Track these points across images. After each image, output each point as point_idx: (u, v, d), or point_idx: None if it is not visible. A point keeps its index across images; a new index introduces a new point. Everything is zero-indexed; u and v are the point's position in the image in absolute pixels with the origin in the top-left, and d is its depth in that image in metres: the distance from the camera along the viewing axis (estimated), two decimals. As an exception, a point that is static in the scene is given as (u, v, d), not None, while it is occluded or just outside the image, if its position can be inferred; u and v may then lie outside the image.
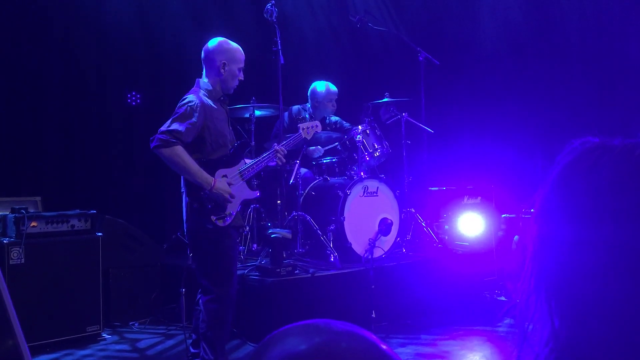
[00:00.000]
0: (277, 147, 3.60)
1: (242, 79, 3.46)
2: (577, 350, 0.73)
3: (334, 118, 5.65)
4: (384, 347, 0.59)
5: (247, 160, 3.50)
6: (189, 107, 3.19)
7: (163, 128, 3.15)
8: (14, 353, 0.94)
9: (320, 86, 5.56)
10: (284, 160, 3.65)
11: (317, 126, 4.02)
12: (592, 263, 0.74)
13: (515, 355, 0.80)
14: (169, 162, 3.16)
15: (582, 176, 0.79)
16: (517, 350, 0.80)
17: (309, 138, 3.99)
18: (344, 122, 5.66)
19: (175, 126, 3.13)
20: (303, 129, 3.93)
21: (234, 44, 3.45)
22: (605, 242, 0.74)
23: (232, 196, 3.24)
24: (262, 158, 3.55)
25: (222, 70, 3.35)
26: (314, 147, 5.45)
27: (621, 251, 0.72)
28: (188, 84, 3.50)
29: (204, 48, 3.44)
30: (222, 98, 3.43)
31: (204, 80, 3.40)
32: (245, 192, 3.42)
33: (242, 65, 3.43)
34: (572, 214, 0.77)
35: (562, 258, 0.77)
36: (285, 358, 0.55)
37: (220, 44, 3.41)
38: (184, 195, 3.31)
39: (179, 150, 3.11)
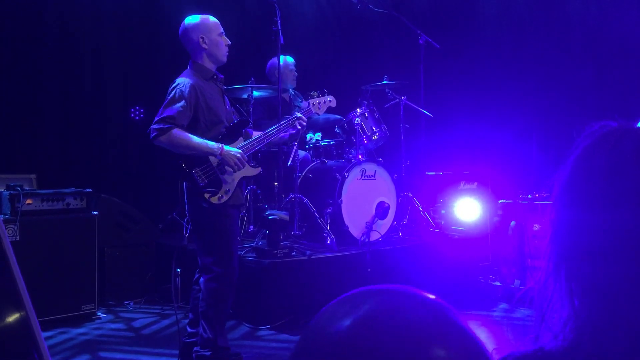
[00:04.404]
0: (298, 115, 3.53)
1: (229, 42, 3.37)
2: (598, 329, 0.73)
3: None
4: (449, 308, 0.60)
5: (255, 133, 3.40)
6: (178, 91, 3.15)
7: (156, 118, 3.13)
8: (24, 325, 0.93)
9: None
10: (305, 124, 3.56)
11: (330, 101, 3.87)
12: (616, 243, 0.73)
13: (533, 336, 0.80)
14: (170, 147, 3.11)
15: (604, 157, 0.78)
16: (535, 331, 0.80)
17: (320, 114, 3.87)
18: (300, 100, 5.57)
19: (167, 112, 3.10)
20: (314, 104, 3.79)
21: (202, 15, 3.36)
22: (629, 222, 0.73)
23: (243, 157, 3.20)
24: (272, 130, 3.44)
25: (203, 45, 3.28)
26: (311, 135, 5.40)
27: None
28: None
29: (179, 35, 3.37)
30: (214, 77, 3.36)
31: (193, 61, 3.35)
32: (244, 170, 3.30)
33: (220, 30, 3.34)
34: (595, 194, 0.77)
35: (585, 239, 0.76)
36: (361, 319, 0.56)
37: (189, 23, 3.32)
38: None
39: (176, 132, 3.08)
